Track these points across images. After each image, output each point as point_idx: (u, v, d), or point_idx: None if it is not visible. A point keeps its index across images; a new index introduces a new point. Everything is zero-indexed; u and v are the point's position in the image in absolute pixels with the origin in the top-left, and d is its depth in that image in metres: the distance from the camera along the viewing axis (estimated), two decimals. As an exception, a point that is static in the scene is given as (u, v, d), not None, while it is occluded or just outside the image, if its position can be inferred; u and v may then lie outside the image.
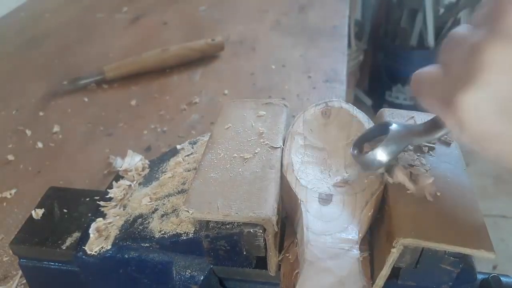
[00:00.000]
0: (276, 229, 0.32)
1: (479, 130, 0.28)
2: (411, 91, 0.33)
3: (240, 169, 0.36)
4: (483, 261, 0.28)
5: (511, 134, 0.27)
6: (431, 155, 0.36)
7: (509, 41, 0.25)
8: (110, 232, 0.39)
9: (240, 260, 0.34)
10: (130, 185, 0.44)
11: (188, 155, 0.44)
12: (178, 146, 0.46)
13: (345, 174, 0.35)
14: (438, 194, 0.32)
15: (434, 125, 0.32)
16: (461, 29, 0.30)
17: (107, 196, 0.43)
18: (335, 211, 0.32)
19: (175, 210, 0.38)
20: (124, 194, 0.43)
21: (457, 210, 0.31)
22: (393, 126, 0.33)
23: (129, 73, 0.85)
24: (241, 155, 0.37)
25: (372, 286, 0.32)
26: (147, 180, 0.44)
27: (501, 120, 0.27)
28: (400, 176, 0.33)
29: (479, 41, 0.27)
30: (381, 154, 0.32)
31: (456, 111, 0.28)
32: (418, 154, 0.36)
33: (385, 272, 0.31)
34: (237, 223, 0.32)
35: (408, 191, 0.32)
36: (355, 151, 0.35)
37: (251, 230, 0.32)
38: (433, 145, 0.37)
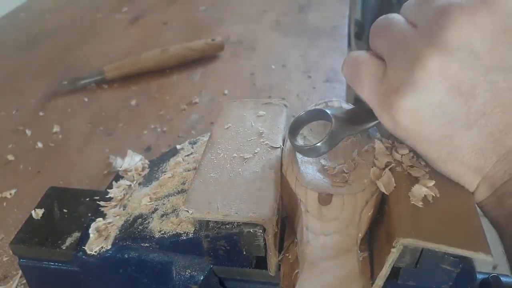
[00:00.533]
0: (276, 229, 0.32)
1: (411, 130, 0.29)
2: (343, 73, 0.33)
3: (240, 169, 0.36)
4: (483, 261, 0.28)
5: (439, 138, 0.29)
6: None
7: (448, 54, 0.26)
8: (110, 232, 0.39)
9: (240, 260, 0.34)
10: (130, 185, 0.44)
11: (188, 155, 0.44)
12: (178, 146, 0.46)
13: (344, 170, 0.35)
14: (438, 195, 0.32)
15: (371, 114, 0.33)
16: (398, 20, 0.31)
17: (107, 196, 0.43)
18: (335, 211, 0.32)
19: (175, 210, 0.38)
20: (124, 194, 0.43)
21: (457, 212, 0.31)
22: (334, 118, 0.34)
23: (129, 73, 0.85)
24: (241, 155, 0.37)
25: (372, 286, 0.32)
26: (147, 180, 0.44)
27: (434, 124, 0.28)
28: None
29: (420, 48, 0.27)
30: (324, 147, 0.33)
31: (392, 110, 0.29)
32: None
33: (385, 272, 0.31)
34: (237, 223, 0.32)
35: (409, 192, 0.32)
36: (291, 136, 0.35)
37: (251, 230, 0.32)
38: None
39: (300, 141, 0.36)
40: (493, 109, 0.27)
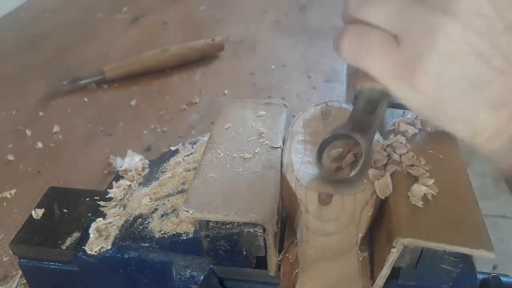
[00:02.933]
0: (276, 229, 0.32)
1: (432, 96, 0.29)
2: (343, 47, 0.31)
3: (240, 169, 0.36)
4: (483, 261, 0.28)
5: (459, 98, 0.29)
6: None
7: (466, 19, 0.27)
8: (110, 232, 0.39)
9: (240, 260, 0.34)
10: (130, 185, 0.44)
11: (188, 155, 0.44)
12: (172, 148, 0.46)
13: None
14: (436, 193, 0.32)
15: (371, 107, 0.32)
16: None
17: (107, 196, 0.43)
18: (335, 211, 0.32)
19: (175, 210, 0.38)
20: (124, 194, 0.43)
21: (457, 210, 0.31)
22: (362, 140, 0.32)
23: (129, 73, 0.85)
24: (241, 155, 0.37)
25: (372, 286, 0.32)
26: (147, 180, 0.44)
27: (456, 85, 0.28)
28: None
29: (437, 16, 0.27)
30: (360, 175, 0.32)
31: (415, 77, 0.28)
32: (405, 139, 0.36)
33: (385, 272, 0.31)
34: (237, 223, 0.32)
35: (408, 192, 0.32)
36: (320, 162, 0.34)
37: (251, 230, 0.32)
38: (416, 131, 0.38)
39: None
40: (511, 66, 0.28)
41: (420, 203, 0.31)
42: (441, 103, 0.29)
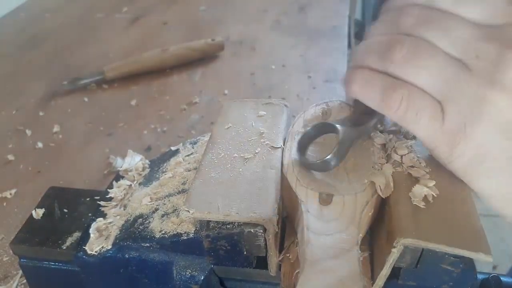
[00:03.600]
0: (277, 229, 0.32)
1: (472, 165, 0.30)
2: (390, 107, 0.31)
3: (240, 169, 0.36)
4: (483, 261, 0.28)
5: (498, 172, 0.29)
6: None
7: None
8: (110, 232, 0.39)
9: (240, 260, 0.34)
10: (130, 185, 0.44)
11: (188, 155, 0.44)
12: (173, 148, 0.46)
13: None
14: (437, 196, 0.32)
15: (369, 114, 0.33)
16: (438, 54, 0.29)
17: (108, 196, 0.43)
18: (335, 211, 0.32)
19: (175, 210, 0.38)
20: (124, 194, 0.43)
21: (456, 213, 0.31)
22: (340, 128, 0.33)
23: (129, 73, 0.85)
24: (241, 155, 0.37)
25: (372, 286, 0.32)
26: (147, 180, 0.44)
27: (497, 159, 0.28)
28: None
29: (485, 88, 0.27)
30: (334, 160, 0.33)
31: (458, 146, 0.29)
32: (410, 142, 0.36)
33: (385, 272, 0.31)
34: (238, 223, 0.32)
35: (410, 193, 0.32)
36: (301, 154, 0.35)
37: (252, 230, 0.32)
38: None
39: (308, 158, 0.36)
40: None
41: (422, 204, 0.31)
42: (481, 178, 0.30)
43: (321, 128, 0.36)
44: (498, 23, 0.28)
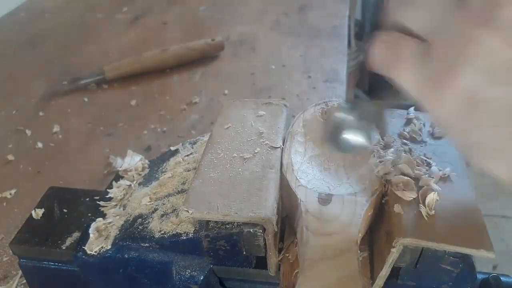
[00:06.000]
0: (276, 229, 0.32)
1: (461, 114, 0.26)
2: (374, 57, 0.28)
3: (240, 169, 0.36)
4: (483, 261, 0.28)
5: (492, 125, 0.25)
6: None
7: (506, 33, 0.24)
8: (110, 232, 0.39)
9: (240, 260, 0.34)
10: (130, 185, 0.44)
11: (188, 155, 0.44)
12: (172, 148, 0.46)
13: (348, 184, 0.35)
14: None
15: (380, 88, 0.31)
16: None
17: (107, 196, 0.43)
18: (335, 211, 0.32)
19: (175, 210, 0.38)
20: (124, 194, 0.43)
21: (457, 210, 0.31)
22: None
23: (129, 73, 0.85)
24: (241, 155, 0.37)
25: (372, 286, 0.32)
26: (147, 180, 0.44)
27: (489, 109, 0.25)
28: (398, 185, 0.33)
29: (474, 27, 0.24)
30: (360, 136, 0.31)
31: (446, 91, 0.25)
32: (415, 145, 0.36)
33: (385, 272, 0.31)
34: (237, 223, 0.32)
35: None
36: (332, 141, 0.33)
37: (251, 230, 0.32)
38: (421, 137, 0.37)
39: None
40: None
41: (432, 212, 0.30)
42: (473, 129, 0.26)
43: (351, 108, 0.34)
44: None
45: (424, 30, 0.27)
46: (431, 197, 0.30)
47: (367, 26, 0.35)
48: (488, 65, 0.24)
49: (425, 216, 0.30)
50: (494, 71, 0.24)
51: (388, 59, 0.28)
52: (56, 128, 0.73)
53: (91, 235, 0.39)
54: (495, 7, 0.24)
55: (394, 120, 0.39)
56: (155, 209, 0.39)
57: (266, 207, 0.32)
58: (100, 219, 0.40)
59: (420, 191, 0.32)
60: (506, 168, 0.26)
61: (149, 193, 0.41)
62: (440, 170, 0.33)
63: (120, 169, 0.47)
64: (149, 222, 0.38)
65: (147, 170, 0.46)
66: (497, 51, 0.24)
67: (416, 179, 0.33)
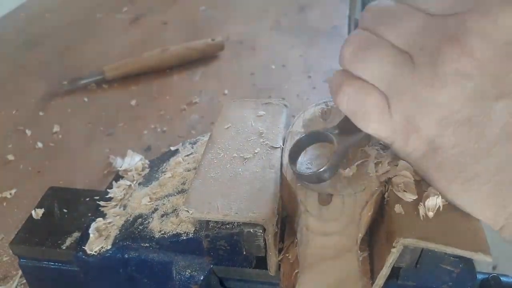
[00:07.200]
0: (276, 229, 0.32)
1: (426, 157, 0.29)
2: (341, 105, 0.30)
3: (240, 169, 0.36)
4: (483, 261, 0.28)
5: (454, 163, 0.27)
6: None
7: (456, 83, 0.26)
8: (110, 232, 0.39)
9: (240, 260, 0.34)
10: (130, 185, 0.44)
11: (188, 155, 0.44)
12: (172, 148, 0.46)
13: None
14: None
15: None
16: (385, 47, 0.28)
17: (107, 196, 0.43)
18: (335, 211, 0.32)
19: (175, 210, 0.38)
20: (124, 194, 0.43)
21: (456, 212, 0.31)
22: (334, 137, 0.33)
23: (129, 73, 0.85)
24: (241, 155, 0.37)
25: (372, 286, 0.32)
26: (147, 180, 0.44)
27: (450, 152, 0.27)
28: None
29: (432, 75, 0.26)
30: (328, 172, 0.32)
31: (409, 139, 0.28)
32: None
33: (385, 272, 0.30)
34: (237, 223, 0.32)
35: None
36: (292, 163, 0.34)
37: (251, 230, 0.32)
38: None
39: (301, 167, 0.35)
40: (508, 138, 0.25)
41: (432, 214, 0.30)
42: (436, 166, 0.28)
43: (315, 137, 0.35)
44: (448, 13, 0.26)
45: (382, 84, 0.29)
46: (434, 201, 0.30)
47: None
48: (440, 117, 0.27)
49: (424, 217, 0.30)
50: (446, 123, 0.27)
51: (356, 111, 0.30)
52: (56, 128, 0.73)
53: (91, 235, 0.39)
54: (439, 67, 0.26)
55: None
56: (155, 209, 0.39)
57: (266, 207, 0.32)
58: (100, 219, 0.40)
59: (424, 194, 0.32)
60: (470, 208, 0.29)
61: (149, 193, 0.41)
62: None
63: (120, 169, 0.47)
64: (149, 222, 0.38)
65: (147, 170, 0.46)
66: (444, 105, 0.26)
67: (417, 180, 0.33)
